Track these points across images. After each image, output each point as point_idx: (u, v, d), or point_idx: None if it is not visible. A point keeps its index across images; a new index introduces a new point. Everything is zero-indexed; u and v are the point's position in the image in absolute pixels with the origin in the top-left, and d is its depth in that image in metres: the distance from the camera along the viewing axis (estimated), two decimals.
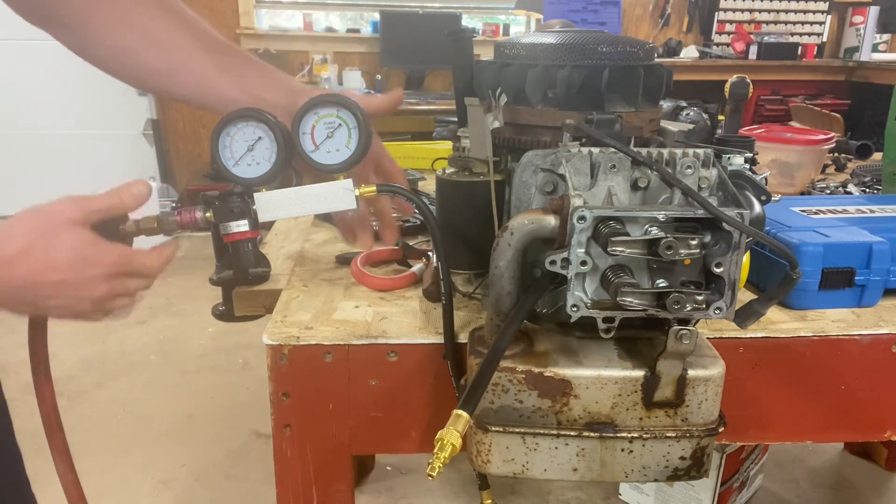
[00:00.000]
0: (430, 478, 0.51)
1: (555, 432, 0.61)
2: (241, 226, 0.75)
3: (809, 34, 4.61)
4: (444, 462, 0.51)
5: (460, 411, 0.53)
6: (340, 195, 0.74)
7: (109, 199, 0.68)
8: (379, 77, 4.42)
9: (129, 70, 0.79)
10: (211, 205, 0.75)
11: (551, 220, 0.57)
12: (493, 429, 0.61)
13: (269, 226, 0.97)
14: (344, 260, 0.96)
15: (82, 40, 0.77)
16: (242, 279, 0.87)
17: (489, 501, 0.84)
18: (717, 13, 4.54)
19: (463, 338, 0.73)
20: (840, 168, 1.62)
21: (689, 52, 4.37)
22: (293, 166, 0.81)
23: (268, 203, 0.74)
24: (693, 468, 0.62)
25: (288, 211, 0.75)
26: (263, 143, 0.75)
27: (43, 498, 0.93)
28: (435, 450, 0.51)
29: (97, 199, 0.67)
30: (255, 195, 0.75)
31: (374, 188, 0.75)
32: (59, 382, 0.81)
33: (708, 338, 0.71)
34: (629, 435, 0.61)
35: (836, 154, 1.66)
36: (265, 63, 0.83)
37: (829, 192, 1.41)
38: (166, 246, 0.72)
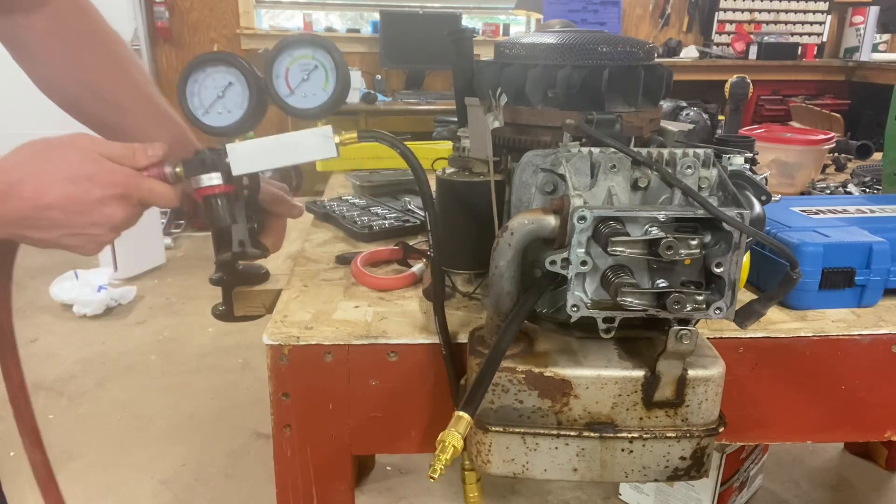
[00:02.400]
0: (431, 479, 0.51)
1: (555, 432, 0.61)
2: (212, 178, 0.69)
3: (809, 34, 4.61)
4: (446, 464, 0.51)
5: (461, 413, 0.53)
6: (320, 143, 0.69)
7: (122, 149, 0.66)
8: (379, 77, 4.42)
9: (69, 107, 0.80)
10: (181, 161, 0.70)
11: (551, 220, 0.57)
12: (493, 429, 0.61)
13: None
14: (344, 260, 0.96)
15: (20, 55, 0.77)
16: (236, 269, 0.85)
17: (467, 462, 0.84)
18: (717, 13, 4.54)
19: (462, 338, 0.73)
20: (840, 168, 1.62)
21: (689, 52, 4.37)
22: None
23: (242, 154, 0.70)
24: (693, 468, 0.62)
25: (264, 162, 0.70)
26: (234, 88, 0.71)
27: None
28: (436, 451, 0.51)
29: (110, 144, 0.66)
30: (228, 146, 0.70)
31: (355, 135, 0.72)
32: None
33: (708, 338, 0.71)
34: (629, 435, 0.61)
35: (836, 154, 1.66)
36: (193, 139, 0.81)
37: (829, 192, 1.41)
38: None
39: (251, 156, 0.70)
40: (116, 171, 0.64)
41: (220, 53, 0.71)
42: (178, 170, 0.69)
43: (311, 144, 0.70)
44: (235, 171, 0.70)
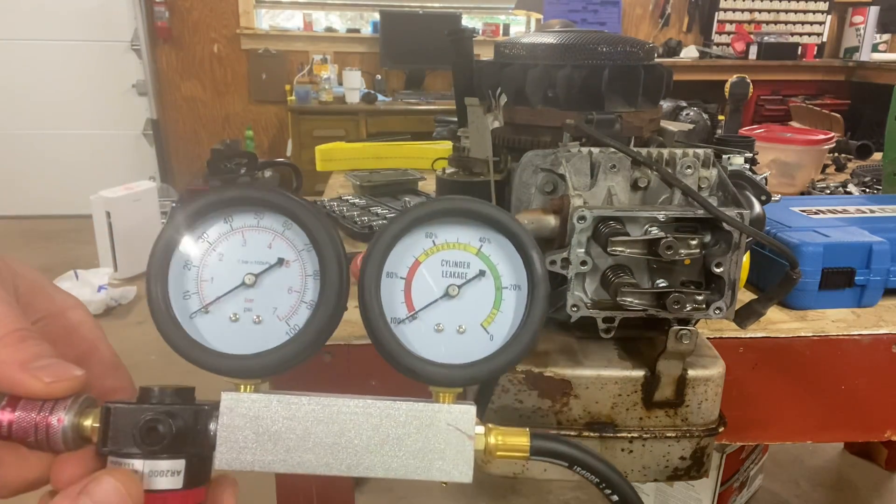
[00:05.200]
0: (443, 484, 0.50)
1: (555, 432, 0.61)
2: (159, 476, 0.34)
3: (809, 34, 4.61)
4: None
5: None
6: (454, 443, 0.37)
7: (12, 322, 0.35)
8: (379, 77, 4.43)
9: None
10: (100, 406, 0.35)
11: (551, 220, 0.57)
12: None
13: None
14: None
15: None
16: None
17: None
18: (717, 13, 4.54)
19: None
20: (840, 168, 1.62)
21: (689, 52, 4.37)
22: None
23: (250, 425, 0.36)
24: (693, 468, 0.62)
25: (295, 460, 0.36)
26: (288, 271, 0.37)
27: None
28: None
29: (11, 308, 0.36)
30: (225, 396, 0.36)
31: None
32: None
33: (708, 338, 0.71)
34: (629, 435, 0.61)
35: (836, 154, 1.66)
36: None
37: (829, 192, 1.41)
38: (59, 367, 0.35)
39: (272, 435, 0.36)
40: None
41: (259, 188, 0.36)
42: (87, 423, 0.34)
43: (433, 446, 0.37)
44: (222, 465, 0.36)
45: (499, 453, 0.38)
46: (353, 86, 4.07)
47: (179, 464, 0.33)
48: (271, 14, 4.58)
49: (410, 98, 4.19)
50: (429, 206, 0.38)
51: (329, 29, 4.49)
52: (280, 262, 0.36)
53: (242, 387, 0.36)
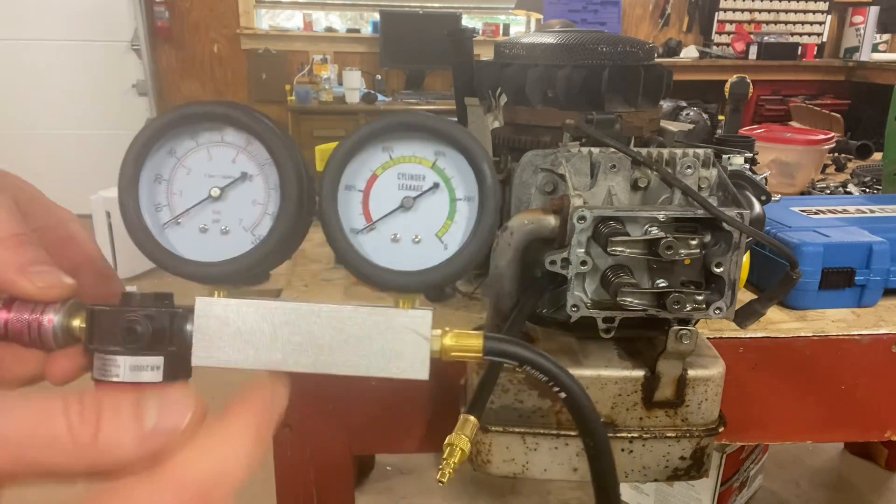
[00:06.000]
0: (440, 483, 0.50)
1: (555, 432, 0.61)
2: (141, 370, 0.37)
3: (809, 34, 4.61)
4: (455, 467, 0.50)
5: (468, 415, 0.53)
6: (409, 348, 0.39)
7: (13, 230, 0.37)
8: (379, 77, 4.43)
9: None
10: (86, 308, 0.37)
11: (551, 220, 0.57)
12: (493, 429, 0.61)
13: None
14: None
15: None
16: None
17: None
18: (717, 13, 4.54)
19: None
20: (840, 168, 1.62)
21: (689, 52, 4.37)
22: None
23: (223, 326, 0.38)
24: (693, 468, 0.62)
25: (265, 357, 0.39)
26: (250, 185, 0.39)
27: None
28: (444, 455, 0.51)
29: (12, 212, 0.38)
30: (199, 301, 0.38)
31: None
32: None
33: (708, 338, 0.71)
34: (629, 435, 0.61)
35: (836, 154, 1.66)
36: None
37: (829, 192, 1.41)
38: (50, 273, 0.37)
39: (243, 334, 0.38)
40: None
41: (222, 103, 0.38)
42: (75, 323, 0.37)
43: (401, 342, 0.38)
44: (198, 362, 0.37)
45: (453, 353, 0.40)
46: (353, 86, 4.07)
47: (158, 360, 0.37)
48: (271, 14, 4.58)
49: (410, 98, 4.19)
50: (383, 120, 0.39)
51: (329, 29, 4.49)
52: (244, 175, 0.39)
53: (216, 293, 0.38)
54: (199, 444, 0.30)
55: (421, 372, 0.38)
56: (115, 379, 0.36)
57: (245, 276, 0.39)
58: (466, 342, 0.39)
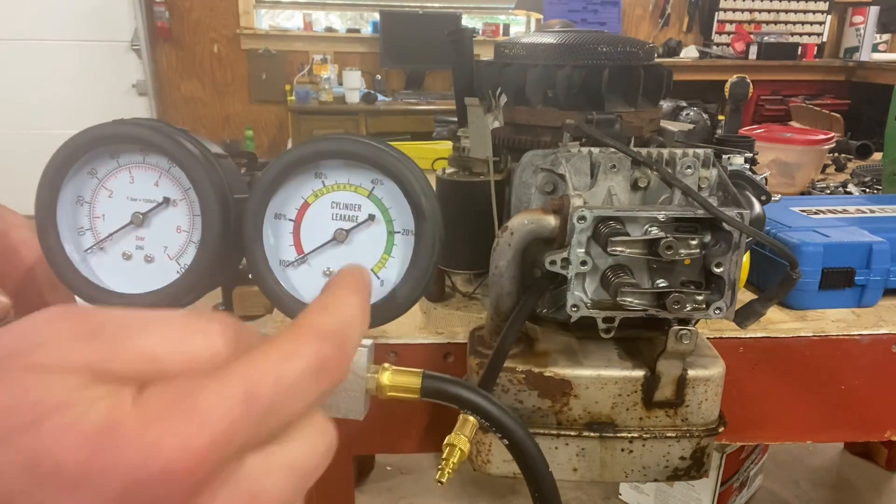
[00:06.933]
0: (439, 483, 0.50)
1: (555, 432, 0.61)
2: None
3: (809, 34, 4.61)
4: (454, 467, 0.50)
5: (468, 415, 0.53)
6: (347, 381, 0.37)
7: None
8: (379, 77, 4.43)
9: None
10: None
11: (551, 220, 0.57)
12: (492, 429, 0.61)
13: None
14: None
15: None
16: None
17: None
18: (717, 13, 4.54)
19: (462, 338, 0.73)
20: (840, 168, 1.62)
21: (689, 52, 4.37)
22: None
23: None
24: (693, 468, 0.62)
25: None
26: (174, 211, 0.36)
27: None
28: (444, 455, 0.51)
29: None
30: None
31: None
32: None
33: (708, 338, 0.71)
34: (629, 435, 0.61)
35: (836, 154, 1.66)
36: None
37: (829, 192, 1.41)
38: None
39: None
40: None
41: (143, 123, 0.35)
42: None
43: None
44: None
45: (390, 393, 0.38)
46: (353, 86, 4.07)
47: None
48: (271, 14, 4.58)
49: (410, 98, 4.19)
50: (314, 145, 0.36)
51: (329, 29, 4.49)
52: (166, 201, 0.36)
53: None
54: (320, 304, 0.29)
55: (357, 412, 0.36)
56: None
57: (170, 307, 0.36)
58: (403, 380, 0.37)
